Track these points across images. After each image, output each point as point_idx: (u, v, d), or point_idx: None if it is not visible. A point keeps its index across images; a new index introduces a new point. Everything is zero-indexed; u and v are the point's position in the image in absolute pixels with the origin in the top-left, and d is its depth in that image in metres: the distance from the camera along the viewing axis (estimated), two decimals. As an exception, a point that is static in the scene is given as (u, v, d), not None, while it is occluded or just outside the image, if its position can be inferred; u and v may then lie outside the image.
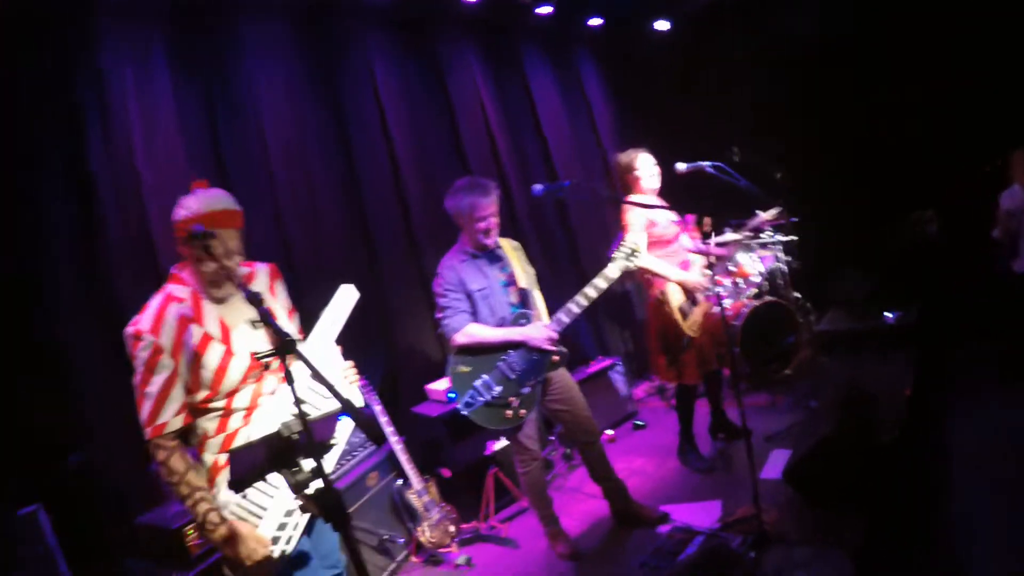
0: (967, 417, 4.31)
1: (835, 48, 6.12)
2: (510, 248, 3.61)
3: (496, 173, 5.52)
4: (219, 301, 2.32)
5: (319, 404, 2.28)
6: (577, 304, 3.40)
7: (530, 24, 6.00)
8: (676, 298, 3.99)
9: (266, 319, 1.75)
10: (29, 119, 3.32)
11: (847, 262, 6.06)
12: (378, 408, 3.86)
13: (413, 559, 3.91)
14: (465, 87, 5.53)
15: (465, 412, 3.35)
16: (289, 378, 1.72)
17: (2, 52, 3.22)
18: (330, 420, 1.97)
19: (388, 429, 3.84)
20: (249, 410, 2.32)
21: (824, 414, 3.79)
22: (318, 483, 1.72)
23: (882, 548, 3.10)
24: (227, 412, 2.29)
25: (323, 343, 2.44)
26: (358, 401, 2.57)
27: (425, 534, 3.81)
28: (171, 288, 2.29)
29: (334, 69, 4.68)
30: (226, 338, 2.27)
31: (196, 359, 2.20)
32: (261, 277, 2.51)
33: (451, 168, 5.17)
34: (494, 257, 3.49)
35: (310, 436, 1.71)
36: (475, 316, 3.40)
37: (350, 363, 2.51)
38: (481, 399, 3.34)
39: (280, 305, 2.51)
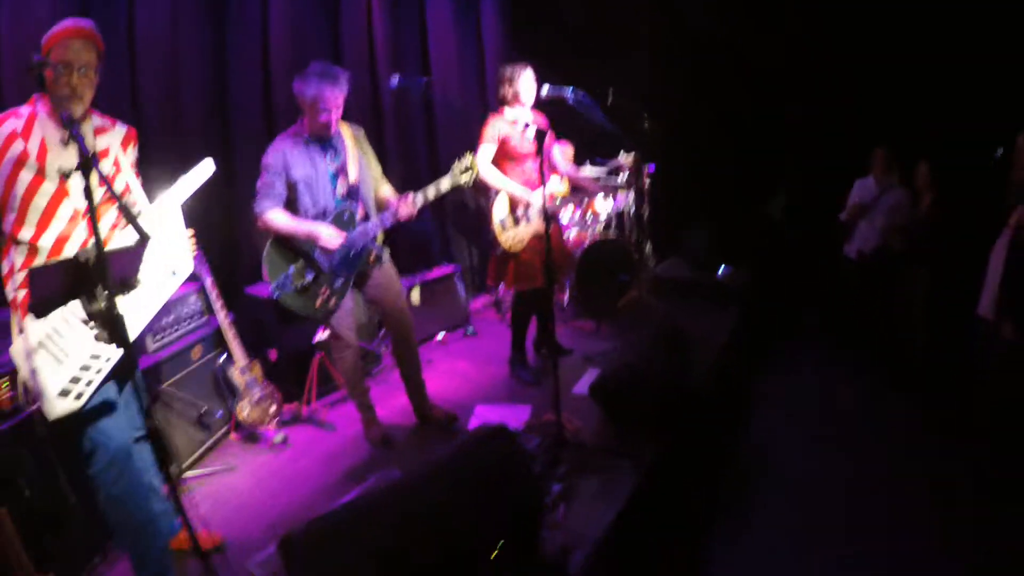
0: (777, 375, 4.83)
1: (732, 26, 6.37)
2: (350, 135, 3.52)
3: (368, 64, 5.41)
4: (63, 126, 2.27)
5: (116, 239, 2.34)
6: (394, 215, 3.42)
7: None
8: (500, 212, 4.13)
9: (74, 138, 1.73)
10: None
11: (696, 217, 6.46)
12: (209, 281, 3.80)
13: (232, 436, 3.95)
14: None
15: (276, 296, 3.39)
16: (88, 196, 1.71)
17: None
18: (132, 255, 1.96)
19: (217, 304, 3.80)
20: (52, 252, 2.30)
21: (638, 343, 4.10)
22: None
23: (672, 470, 3.46)
24: (33, 248, 2.27)
25: (170, 203, 2.49)
26: (187, 265, 2.58)
27: (244, 411, 3.84)
28: (20, 108, 2.31)
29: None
30: (41, 158, 2.24)
31: (9, 178, 2.22)
32: (117, 132, 2.51)
33: (324, 52, 5.01)
34: (328, 145, 3.42)
35: (106, 263, 1.71)
36: (296, 203, 3.38)
37: (191, 231, 2.57)
38: (292, 286, 3.39)
39: (129, 163, 2.52)
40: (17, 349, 2.19)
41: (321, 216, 3.39)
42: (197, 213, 4.12)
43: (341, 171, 3.45)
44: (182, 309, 3.83)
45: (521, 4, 7.11)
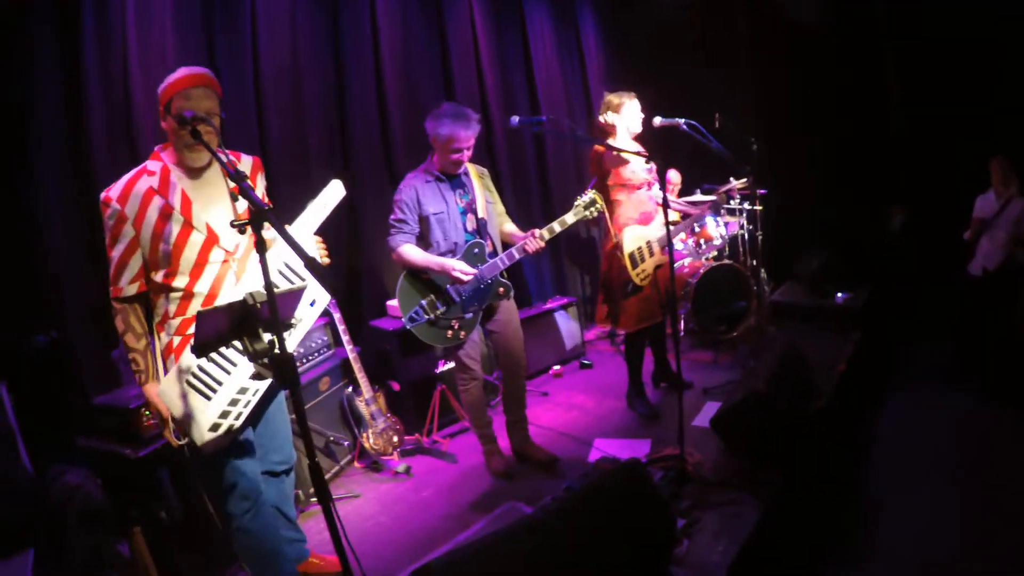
0: (899, 404, 4.56)
1: (836, 35, 6.19)
2: (476, 174, 3.66)
3: (480, 102, 5.58)
4: (193, 175, 2.41)
5: (286, 285, 2.38)
6: (522, 250, 3.49)
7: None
8: (629, 244, 4.11)
9: (245, 192, 1.80)
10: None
11: (812, 240, 6.24)
12: (337, 316, 3.98)
13: (356, 464, 4.10)
14: (461, 16, 5.53)
15: (408, 326, 3.51)
16: (260, 247, 1.78)
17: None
18: (294, 297, 2.08)
19: (345, 338, 3.96)
20: (209, 297, 2.40)
21: (760, 372, 3.98)
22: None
23: (794, 503, 3.33)
24: (188, 294, 2.38)
25: (303, 231, 2.54)
26: (324, 295, 2.60)
27: (369, 440, 3.98)
28: (148, 163, 2.40)
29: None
30: (186, 210, 2.36)
31: (157, 231, 2.32)
32: (244, 164, 2.60)
33: (436, 93, 5.21)
34: (458, 183, 3.58)
35: (273, 308, 1.80)
36: (428, 238, 3.52)
37: (322, 247, 2.63)
38: (424, 317, 3.50)
39: (260, 193, 2.61)
40: (167, 389, 2.29)
41: (452, 250, 3.51)
42: (328, 251, 4.44)
43: (470, 207, 3.58)
44: (311, 342, 4.02)
45: (622, 32, 7.18)
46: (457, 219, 3.53)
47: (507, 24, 6.02)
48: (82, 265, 3.34)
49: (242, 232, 1.83)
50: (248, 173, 2.56)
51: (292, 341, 2.50)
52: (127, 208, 2.31)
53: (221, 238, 2.41)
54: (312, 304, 2.52)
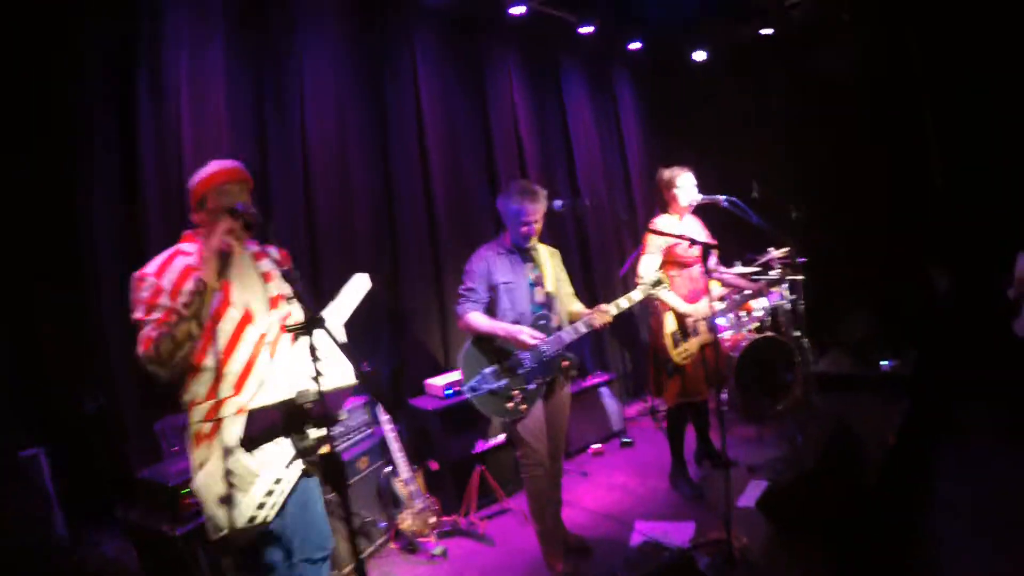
0: (955, 469, 4.38)
1: (872, 94, 6.21)
2: (548, 254, 3.71)
3: (520, 177, 5.66)
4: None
5: (326, 379, 2.40)
6: (589, 324, 3.50)
7: (572, 40, 6.14)
8: (670, 325, 4.10)
9: (299, 296, 1.86)
10: (87, 85, 3.45)
11: (855, 307, 6.13)
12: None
13: (391, 545, 4.03)
14: (502, 95, 5.69)
15: (469, 395, 3.45)
16: (315, 355, 1.82)
17: (68, 19, 3.35)
18: (341, 394, 2.11)
19: (384, 418, 3.97)
20: (240, 379, 2.36)
21: (808, 449, 3.87)
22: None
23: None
24: (219, 375, 2.33)
25: (334, 319, 2.58)
26: (352, 378, 2.55)
27: (406, 521, 3.93)
28: (182, 245, 2.43)
29: (381, 68, 4.83)
30: (224, 287, 2.36)
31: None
32: (272, 255, 2.58)
33: (478, 173, 5.35)
34: (528, 257, 3.62)
35: (324, 406, 1.83)
36: (496, 307, 3.52)
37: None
38: (487, 386, 3.44)
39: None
40: (204, 484, 2.26)
41: (518, 320, 3.51)
42: (363, 326, 4.48)
43: (539, 281, 3.61)
44: (351, 420, 4.03)
45: (659, 103, 7.31)
46: (526, 290, 3.56)
47: (545, 97, 6.17)
48: (132, 335, 3.40)
49: (296, 338, 1.86)
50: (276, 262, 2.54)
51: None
52: (164, 280, 2.29)
53: (256, 318, 2.41)
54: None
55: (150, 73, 3.64)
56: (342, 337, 2.60)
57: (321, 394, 1.82)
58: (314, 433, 1.94)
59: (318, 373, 1.81)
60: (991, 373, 5.26)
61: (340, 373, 2.38)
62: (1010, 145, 5.51)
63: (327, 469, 1.84)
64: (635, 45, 6.66)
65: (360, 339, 4.38)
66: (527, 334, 3.38)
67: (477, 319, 3.47)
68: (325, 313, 2.58)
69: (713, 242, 3.69)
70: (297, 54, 4.31)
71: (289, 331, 1.84)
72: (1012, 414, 4.86)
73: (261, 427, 1.95)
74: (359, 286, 2.70)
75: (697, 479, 4.44)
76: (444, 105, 5.19)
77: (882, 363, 5.46)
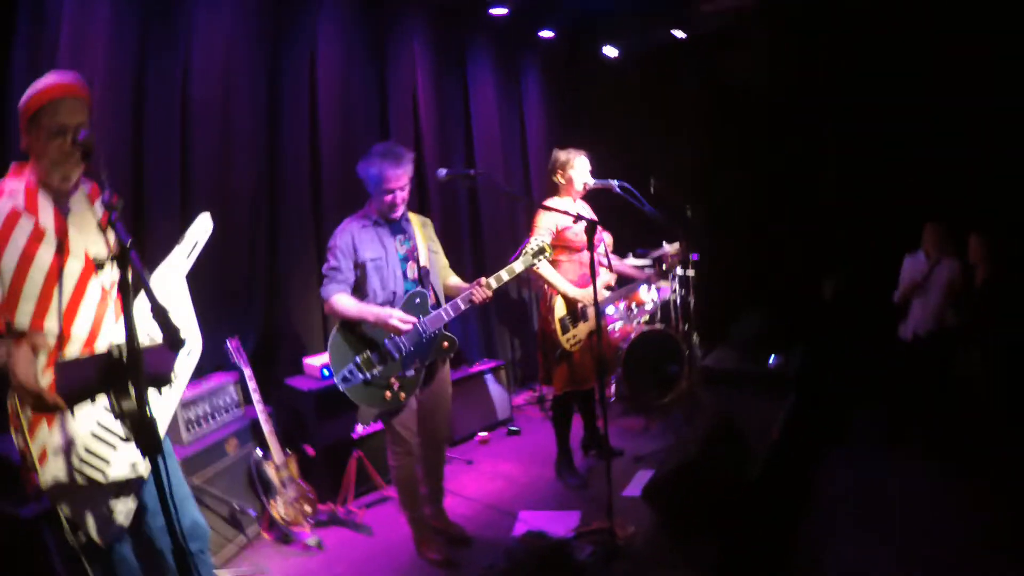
0: (834, 467, 4.52)
1: (772, 101, 6.36)
2: (418, 223, 3.45)
3: (415, 154, 5.36)
4: (61, 198, 2.09)
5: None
6: (468, 299, 3.28)
7: (483, 20, 5.99)
8: (560, 310, 4.01)
9: (113, 224, 1.60)
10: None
11: (744, 305, 6.27)
12: (248, 372, 3.71)
13: (264, 534, 3.75)
14: (403, 65, 5.44)
15: (342, 387, 3.20)
16: (125, 288, 1.56)
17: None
18: (167, 351, 1.83)
19: (255, 397, 3.69)
20: (89, 341, 2.06)
21: (692, 440, 3.87)
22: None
23: (728, 569, 3.18)
24: (63, 338, 2.01)
25: (173, 272, 2.32)
26: (198, 343, 2.38)
27: (279, 510, 3.67)
28: (7, 181, 2.05)
29: (278, 27, 4.49)
30: (62, 233, 2.03)
31: (25, 257, 1.95)
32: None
33: (371, 140, 5.03)
34: (398, 228, 3.35)
35: (136, 360, 1.57)
36: (364, 287, 3.27)
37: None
38: (360, 376, 3.20)
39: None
40: (53, 476, 1.97)
41: (390, 301, 3.26)
42: (239, 301, 4.17)
43: (411, 255, 3.35)
44: (218, 399, 3.73)
45: (565, 91, 7.26)
46: (396, 266, 3.29)
47: (449, 73, 5.98)
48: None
49: (99, 269, 1.59)
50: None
51: (171, 398, 2.25)
52: None
53: (99, 268, 2.07)
54: (189, 355, 2.29)
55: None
56: (183, 289, 2.36)
57: (132, 346, 1.56)
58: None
59: (129, 311, 1.55)
60: (876, 374, 5.51)
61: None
62: (901, 154, 5.76)
63: (137, 433, 1.57)
64: (547, 33, 6.59)
65: (232, 310, 4.11)
66: (397, 318, 3.14)
67: (343, 302, 3.19)
68: (171, 259, 2.31)
69: (595, 219, 3.57)
70: (189, 12, 3.94)
71: (96, 264, 1.57)
72: (893, 414, 5.09)
73: (73, 383, 1.66)
74: (202, 228, 2.43)
75: (583, 469, 4.39)
76: (342, 69, 4.89)
77: (769, 360, 5.58)
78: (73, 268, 2.02)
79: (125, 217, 3.19)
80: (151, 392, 2.08)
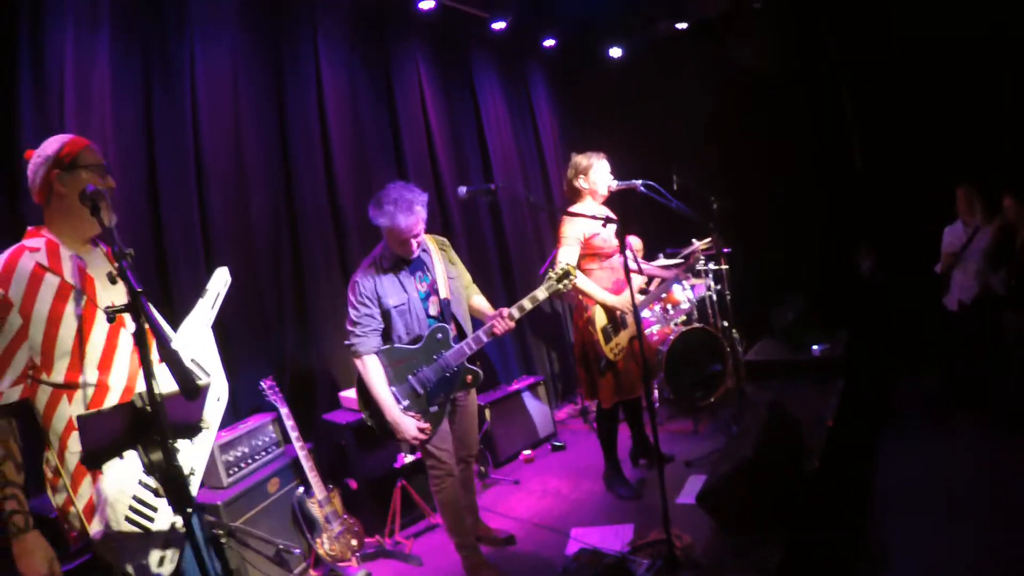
0: (894, 449, 4.34)
1: (789, 81, 6.22)
2: (436, 248, 3.41)
3: (432, 176, 5.41)
4: (83, 252, 2.10)
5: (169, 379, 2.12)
6: (490, 332, 3.22)
7: (484, 36, 5.96)
8: (601, 319, 3.90)
9: (123, 272, 1.58)
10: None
11: (783, 293, 6.11)
12: (284, 411, 3.67)
13: (311, 572, 3.68)
14: (410, 89, 5.42)
15: (369, 423, 3.25)
16: (140, 339, 1.53)
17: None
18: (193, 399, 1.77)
19: (293, 435, 3.64)
20: (127, 392, 2.04)
21: (745, 439, 3.73)
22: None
23: (793, 570, 3.03)
24: (102, 388, 2.00)
25: (197, 325, 2.31)
26: (225, 387, 2.38)
27: (324, 546, 3.60)
28: (25, 241, 2.04)
29: (281, 57, 4.48)
30: (89, 288, 2.03)
31: (54, 315, 1.94)
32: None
33: (387, 167, 5.02)
34: (416, 264, 3.31)
35: (164, 411, 1.53)
36: (390, 332, 3.27)
37: None
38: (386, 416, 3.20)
39: None
40: (102, 532, 1.95)
41: (416, 343, 3.26)
42: (271, 341, 4.13)
43: (432, 290, 3.32)
44: (257, 440, 3.69)
45: (574, 94, 7.21)
46: (419, 308, 3.27)
47: (456, 91, 5.94)
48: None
49: (111, 321, 1.56)
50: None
51: (203, 447, 2.20)
52: (11, 291, 1.90)
53: (127, 321, 2.06)
54: (219, 400, 2.28)
55: (32, 53, 3.22)
56: (209, 340, 2.35)
57: (152, 395, 1.53)
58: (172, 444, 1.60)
59: (147, 361, 1.52)
60: (924, 348, 5.31)
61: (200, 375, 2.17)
62: (927, 125, 5.57)
63: (166, 485, 1.52)
64: (549, 42, 6.54)
65: (264, 351, 4.08)
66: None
67: (372, 373, 3.20)
68: (195, 311, 2.31)
69: (617, 221, 3.47)
70: (189, 42, 3.92)
71: (109, 312, 1.53)
72: (948, 386, 4.89)
73: (98, 437, 1.60)
74: (220, 281, 2.44)
75: (634, 479, 4.25)
76: (349, 98, 4.88)
77: (813, 347, 5.40)
78: (103, 321, 2.02)
79: (147, 270, 3.20)
80: (183, 442, 2.10)
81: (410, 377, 3.22)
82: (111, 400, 2.02)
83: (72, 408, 1.98)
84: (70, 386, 1.97)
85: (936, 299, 5.05)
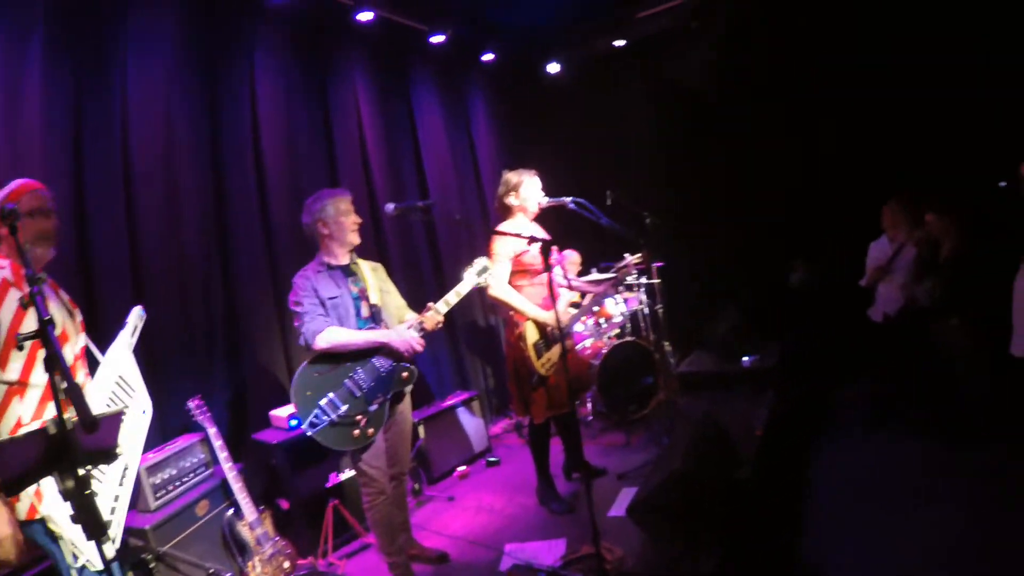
0: (827, 458, 4.49)
1: (722, 96, 6.39)
2: (368, 268, 3.55)
3: (366, 191, 5.38)
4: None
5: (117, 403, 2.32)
6: (420, 327, 3.40)
7: (423, 49, 5.98)
8: (532, 335, 3.95)
9: (33, 298, 1.65)
10: None
11: (713, 307, 6.26)
12: (213, 431, 3.59)
13: (242, 597, 3.61)
14: (347, 104, 5.40)
15: (310, 432, 3.20)
16: (50, 365, 1.59)
17: None
18: (112, 422, 1.79)
19: (222, 455, 3.57)
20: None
21: (676, 450, 3.81)
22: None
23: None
24: (49, 393, 2.15)
25: (121, 350, 2.60)
26: (148, 401, 2.66)
27: (256, 570, 3.52)
28: None
29: (215, 70, 4.42)
30: (21, 285, 2.26)
31: (16, 322, 2.19)
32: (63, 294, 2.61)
33: (321, 184, 4.95)
34: (348, 271, 3.46)
35: (76, 438, 1.56)
36: None
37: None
38: (327, 418, 3.20)
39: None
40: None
41: None
42: (199, 359, 4.04)
43: (363, 294, 3.44)
44: (185, 462, 3.60)
45: (512, 112, 7.27)
46: (350, 305, 3.36)
47: (394, 105, 5.93)
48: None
49: (20, 348, 1.68)
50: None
51: (130, 465, 2.38)
52: None
53: (71, 337, 2.42)
54: (144, 412, 2.56)
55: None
56: (131, 365, 2.61)
57: (62, 421, 1.58)
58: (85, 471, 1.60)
59: (54, 386, 1.59)
60: (852, 358, 5.51)
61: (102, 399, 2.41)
62: (857, 142, 5.82)
63: (78, 512, 1.53)
64: (488, 56, 6.59)
65: (193, 369, 3.99)
66: (396, 338, 3.31)
67: (338, 333, 3.26)
68: (117, 341, 2.55)
69: (548, 238, 3.57)
70: (122, 54, 3.85)
71: (19, 340, 1.62)
72: (875, 396, 5.09)
73: (15, 466, 1.59)
74: (136, 315, 2.79)
75: (567, 493, 4.29)
76: (284, 113, 4.82)
77: (744, 359, 5.56)
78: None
79: (73, 286, 3.13)
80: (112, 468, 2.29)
81: (346, 381, 3.27)
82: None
83: (23, 407, 2.19)
84: (22, 384, 2.19)
85: (862, 312, 5.26)
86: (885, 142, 5.64)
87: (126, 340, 2.60)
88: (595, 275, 5.77)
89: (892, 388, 5.06)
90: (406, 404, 3.58)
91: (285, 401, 4.25)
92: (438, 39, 5.83)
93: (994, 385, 4.33)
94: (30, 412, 2.20)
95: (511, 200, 4.05)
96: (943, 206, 4.84)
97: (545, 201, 4.05)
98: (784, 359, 5.67)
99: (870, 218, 5.21)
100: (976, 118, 5.15)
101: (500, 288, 3.89)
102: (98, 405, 2.41)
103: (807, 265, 6.32)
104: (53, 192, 2.51)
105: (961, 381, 4.63)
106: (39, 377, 2.20)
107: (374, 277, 3.53)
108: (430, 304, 3.41)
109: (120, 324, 2.73)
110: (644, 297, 5.55)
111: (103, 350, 2.68)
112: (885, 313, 5.09)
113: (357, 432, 3.24)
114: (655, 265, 5.12)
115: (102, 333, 2.86)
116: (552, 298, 3.27)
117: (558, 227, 4.28)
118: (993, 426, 4.18)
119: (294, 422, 3.96)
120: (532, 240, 3.46)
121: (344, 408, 3.23)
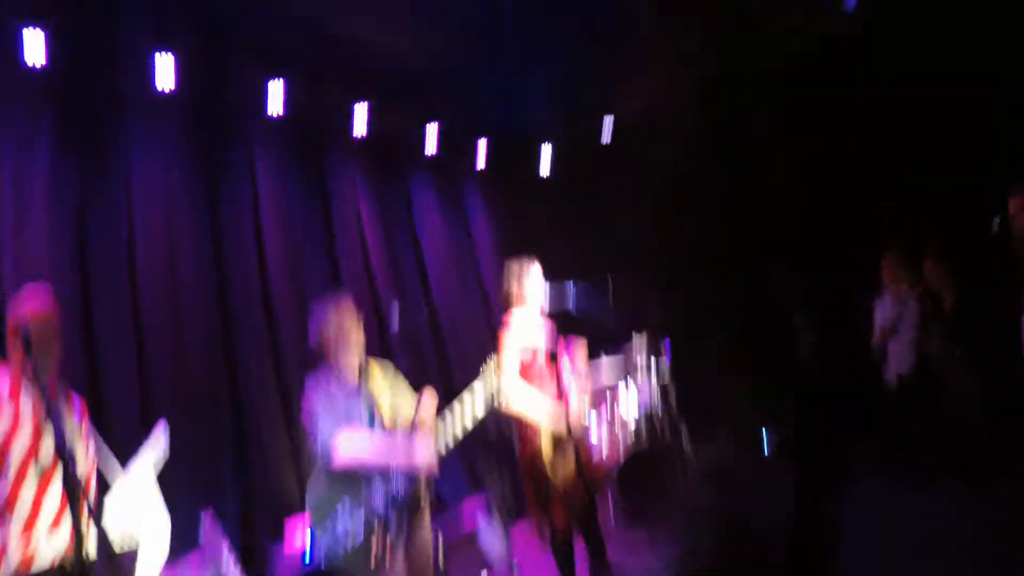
0: (858, 523, 4.32)
1: (715, 175, 6.47)
2: (378, 372, 3.35)
3: (369, 293, 5.40)
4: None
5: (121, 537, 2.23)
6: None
7: (418, 154, 6.15)
8: (547, 450, 3.82)
9: (51, 413, 1.70)
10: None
11: (726, 386, 6.16)
12: (225, 545, 3.47)
13: None
14: (347, 208, 5.52)
15: (324, 566, 3.02)
16: (72, 494, 1.62)
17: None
18: (124, 561, 1.75)
19: (234, 569, 3.43)
20: (57, 518, 2.08)
21: (704, 542, 3.68)
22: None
23: None
24: (35, 513, 2.07)
25: (140, 478, 2.50)
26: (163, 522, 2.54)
27: None
28: None
29: (218, 180, 4.57)
30: (37, 421, 2.14)
31: (6, 441, 2.09)
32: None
33: (324, 288, 5.01)
34: (358, 392, 3.23)
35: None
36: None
37: None
38: (342, 547, 3.00)
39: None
40: None
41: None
42: (210, 475, 3.96)
43: (376, 417, 3.22)
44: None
45: (508, 210, 7.36)
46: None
47: (394, 210, 6.04)
48: None
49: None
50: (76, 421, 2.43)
51: None
52: None
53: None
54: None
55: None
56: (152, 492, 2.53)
57: (82, 561, 1.59)
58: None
59: (76, 519, 1.63)
60: (872, 423, 5.39)
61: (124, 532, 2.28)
62: (855, 205, 5.89)
63: None
64: (481, 157, 6.79)
65: (201, 483, 3.89)
66: (421, 449, 3.06)
67: (352, 442, 3.01)
68: (131, 467, 2.52)
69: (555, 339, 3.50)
70: (127, 162, 4.02)
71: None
72: (899, 456, 4.95)
73: None
74: (160, 437, 2.72)
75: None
76: (286, 221, 4.96)
77: (763, 436, 5.44)
78: (23, 437, 2.13)
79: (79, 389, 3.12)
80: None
81: (362, 497, 3.07)
82: (42, 524, 2.07)
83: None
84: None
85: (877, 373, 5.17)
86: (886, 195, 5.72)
87: (147, 461, 2.55)
88: (604, 359, 5.68)
89: (911, 448, 4.95)
90: (426, 521, 3.31)
91: (295, 510, 4.12)
92: (431, 151, 6.10)
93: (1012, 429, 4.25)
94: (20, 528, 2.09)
95: (514, 290, 4.03)
96: (940, 252, 4.87)
97: (546, 304, 3.95)
98: (804, 432, 5.56)
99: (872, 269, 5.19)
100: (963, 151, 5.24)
101: (517, 401, 3.73)
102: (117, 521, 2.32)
103: (814, 331, 6.25)
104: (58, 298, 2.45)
105: (979, 427, 4.53)
106: (27, 494, 2.09)
107: (384, 384, 3.32)
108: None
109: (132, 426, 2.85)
110: (655, 383, 5.45)
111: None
112: (897, 373, 5.02)
113: (374, 558, 3.02)
114: (663, 345, 5.07)
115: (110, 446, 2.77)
116: (562, 396, 3.15)
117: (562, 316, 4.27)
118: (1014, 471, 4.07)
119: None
120: (540, 329, 3.42)
121: (360, 537, 3.03)
